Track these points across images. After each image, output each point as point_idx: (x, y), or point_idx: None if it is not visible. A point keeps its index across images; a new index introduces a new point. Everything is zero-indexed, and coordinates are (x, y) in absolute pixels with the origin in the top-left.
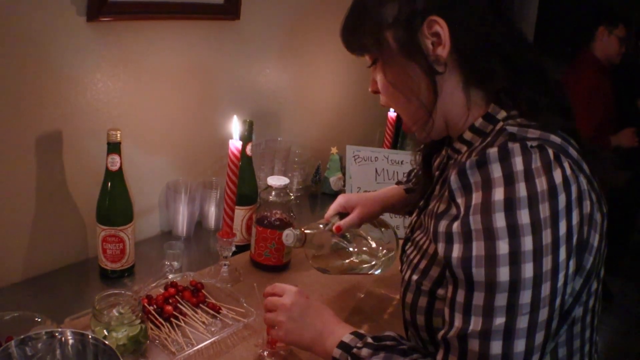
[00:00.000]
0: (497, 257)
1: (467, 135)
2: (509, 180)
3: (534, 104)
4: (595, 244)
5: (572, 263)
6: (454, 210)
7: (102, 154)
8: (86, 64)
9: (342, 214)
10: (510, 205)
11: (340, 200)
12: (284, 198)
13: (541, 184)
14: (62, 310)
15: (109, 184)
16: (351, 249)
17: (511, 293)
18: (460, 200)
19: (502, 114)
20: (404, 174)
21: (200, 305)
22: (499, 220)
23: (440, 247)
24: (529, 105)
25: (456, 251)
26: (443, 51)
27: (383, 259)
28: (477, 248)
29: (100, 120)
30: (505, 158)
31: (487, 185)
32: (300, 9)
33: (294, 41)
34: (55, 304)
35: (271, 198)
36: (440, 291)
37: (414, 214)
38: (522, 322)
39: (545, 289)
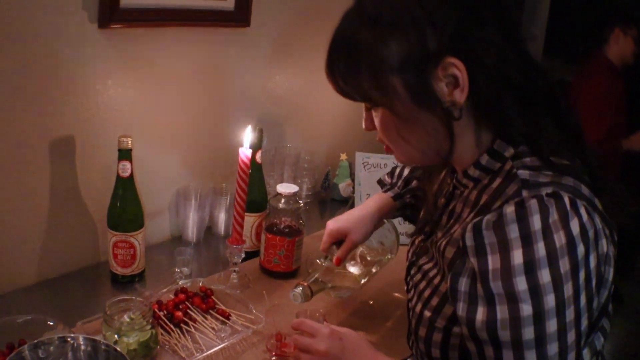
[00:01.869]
0: (521, 318)
1: (473, 171)
2: (527, 241)
3: (547, 142)
4: (610, 277)
5: (594, 304)
6: (469, 265)
7: (113, 160)
8: (98, 71)
9: (337, 242)
10: (530, 268)
11: (330, 229)
12: (294, 205)
13: (559, 239)
14: (73, 314)
15: (120, 191)
16: (357, 271)
17: (539, 348)
18: (473, 260)
19: (510, 151)
20: (387, 174)
21: (210, 311)
22: (521, 284)
23: (461, 307)
24: (540, 143)
25: (480, 314)
26: (461, 96)
27: (390, 256)
28: (501, 312)
29: (112, 126)
30: (522, 218)
31: (504, 248)
32: (310, 15)
33: (304, 48)
34: (67, 308)
35: (280, 205)
36: (456, 329)
37: (416, 236)
38: None
39: (571, 337)
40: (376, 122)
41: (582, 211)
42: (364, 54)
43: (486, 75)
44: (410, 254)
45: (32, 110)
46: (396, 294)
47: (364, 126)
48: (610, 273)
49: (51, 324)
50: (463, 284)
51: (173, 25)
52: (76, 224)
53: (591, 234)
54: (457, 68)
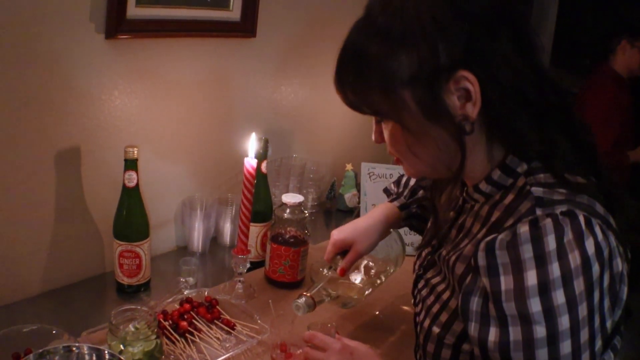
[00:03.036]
0: (534, 340)
1: (484, 186)
2: (541, 262)
3: (561, 158)
4: (624, 297)
5: (608, 324)
6: (480, 284)
7: (119, 170)
8: (104, 81)
9: (341, 252)
10: (544, 289)
11: (335, 239)
12: (299, 215)
13: (574, 259)
14: (79, 324)
15: (126, 201)
16: (361, 282)
17: None
18: (485, 280)
19: (523, 167)
20: (393, 182)
21: (215, 321)
22: (535, 306)
23: (473, 327)
24: (554, 159)
25: (492, 335)
26: (473, 110)
27: (395, 268)
28: (514, 333)
29: (118, 137)
30: (537, 238)
31: (517, 269)
32: (316, 26)
33: (310, 58)
34: (73, 317)
35: (286, 215)
36: (466, 346)
37: (423, 248)
38: None
39: (585, 358)
40: (386, 135)
41: (597, 230)
42: (374, 67)
43: (499, 88)
44: (417, 267)
45: (38, 120)
46: (404, 307)
47: (373, 139)
48: (624, 292)
49: (56, 333)
50: (475, 303)
51: (179, 36)
52: (82, 234)
53: (606, 253)
54: (469, 81)
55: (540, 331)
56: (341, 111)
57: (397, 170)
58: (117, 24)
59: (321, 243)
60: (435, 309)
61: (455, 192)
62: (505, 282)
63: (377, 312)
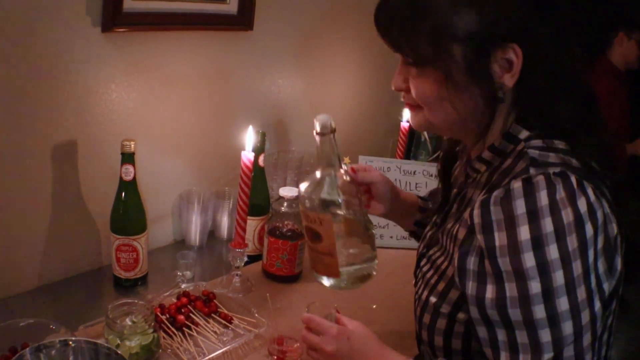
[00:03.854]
0: (530, 296)
1: (486, 154)
2: (534, 216)
3: (566, 125)
4: (619, 267)
5: (605, 286)
6: (476, 243)
7: (116, 164)
8: (101, 74)
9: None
10: (538, 244)
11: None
12: (296, 209)
13: (567, 215)
14: (76, 318)
15: (123, 194)
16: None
17: (552, 328)
18: (480, 237)
19: (524, 134)
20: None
21: (212, 315)
22: (529, 261)
23: (471, 286)
24: (558, 126)
25: (489, 292)
26: (510, 81)
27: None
28: (510, 289)
29: (115, 130)
30: (529, 193)
31: (511, 224)
32: (313, 19)
33: (307, 52)
34: (70, 311)
35: (283, 209)
36: (461, 315)
37: (428, 229)
38: (569, 351)
39: (585, 317)
40: (415, 81)
41: (590, 192)
42: (433, 14)
43: (538, 68)
44: (421, 247)
45: (34, 114)
46: (401, 300)
47: (394, 84)
48: (619, 263)
49: (53, 327)
50: (471, 262)
51: (176, 29)
52: (79, 228)
53: (599, 215)
54: (515, 54)
55: (535, 287)
56: (338, 105)
57: (395, 164)
58: (113, 17)
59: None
60: (433, 280)
61: (461, 172)
62: (499, 238)
63: (374, 306)
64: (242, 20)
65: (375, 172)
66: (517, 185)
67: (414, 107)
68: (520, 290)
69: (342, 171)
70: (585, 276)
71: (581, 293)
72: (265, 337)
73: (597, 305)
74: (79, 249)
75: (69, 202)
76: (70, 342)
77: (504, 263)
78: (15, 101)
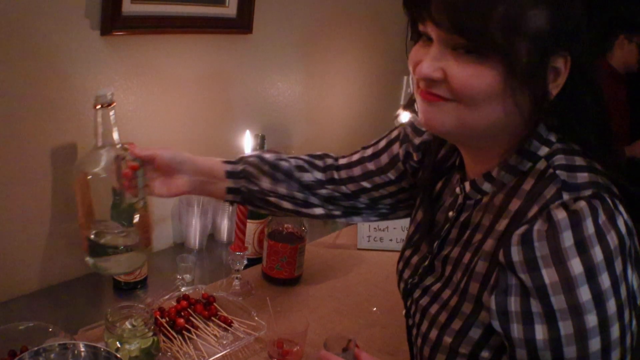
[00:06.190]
0: (587, 330)
1: (497, 173)
2: (583, 248)
3: (591, 138)
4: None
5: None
6: (512, 281)
7: None
8: (100, 78)
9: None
10: (591, 276)
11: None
12: None
13: (612, 240)
14: (75, 321)
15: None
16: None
17: (604, 356)
18: (524, 276)
19: (543, 150)
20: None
21: (212, 318)
22: (584, 294)
23: (517, 329)
24: (584, 141)
25: (539, 334)
26: (555, 91)
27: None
28: (565, 327)
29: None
30: (576, 224)
31: (559, 259)
32: (312, 23)
33: (306, 55)
34: (69, 315)
35: None
36: (485, 354)
37: (411, 253)
38: None
39: (628, 339)
40: (463, 71)
41: (621, 208)
42: (510, 3)
43: (580, 84)
44: (405, 274)
45: (33, 117)
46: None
47: (425, 71)
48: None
49: (52, 330)
50: (512, 303)
51: (175, 32)
52: (78, 231)
53: (634, 230)
54: (565, 66)
55: (591, 320)
56: (338, 107)
57: None
58: (112, 20)
59: (318, 239)
60: (442, 317)
61: (453, 191)
62: (549, 276)
63: (374, 309)
64: (242, 23)
65: (158, 149)
66: (561, 216)
67: (440, 100)
68: (576, 327)
69: (118, 146)
70: (629, 297)
71: (627, 315)
72: (265, 340)
73: (634, 323)
74: (78, 253)
75: (68, 205)
76: (70, 346)
77: (558, 301)
78: (13, 105)
